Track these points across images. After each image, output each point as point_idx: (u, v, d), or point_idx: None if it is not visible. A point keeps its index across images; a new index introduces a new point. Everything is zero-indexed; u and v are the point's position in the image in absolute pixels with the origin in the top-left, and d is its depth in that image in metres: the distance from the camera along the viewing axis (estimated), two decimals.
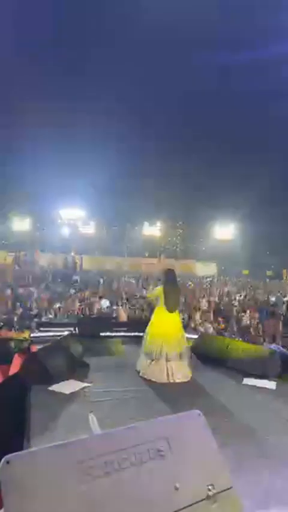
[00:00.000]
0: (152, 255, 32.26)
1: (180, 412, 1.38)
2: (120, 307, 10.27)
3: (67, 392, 3.88)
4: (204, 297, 13.74)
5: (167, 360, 4.35)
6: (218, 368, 4.96)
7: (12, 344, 5.60)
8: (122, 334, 6.91)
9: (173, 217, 35.21)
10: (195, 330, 7.74)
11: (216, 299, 13.63)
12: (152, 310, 5.36)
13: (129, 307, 10.50)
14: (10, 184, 28.41)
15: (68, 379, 4.24)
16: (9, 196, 29.14)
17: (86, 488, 1.03)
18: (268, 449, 2.82)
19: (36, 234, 31.97)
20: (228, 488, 1.17)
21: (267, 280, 27.16)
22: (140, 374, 4.46)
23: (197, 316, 9.12)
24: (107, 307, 10.79)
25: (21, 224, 31.28)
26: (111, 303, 11.17)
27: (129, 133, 32.16)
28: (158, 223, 34.01)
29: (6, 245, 29.80)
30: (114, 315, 9.32)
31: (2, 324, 7.15)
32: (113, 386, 4.12)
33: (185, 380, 4.37)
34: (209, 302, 12.22)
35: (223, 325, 8.72)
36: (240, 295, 14.82)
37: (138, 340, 5.65)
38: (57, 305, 10.86)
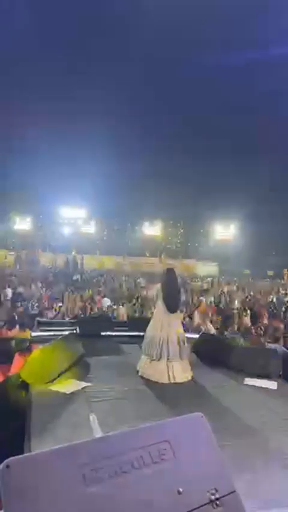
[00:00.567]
0: (152, 255, 32.26)
1: (182, 414, 1.37)
2: (121, 307, 10.26)
3: (68, 392, 3.87)
4: (203, 296, 13.72)
5: (168, 360, 4.33)
6: (219, 368, 4.95)
7: (13, 343, 5.59)
8: (123, 333, 6.90)
9: (173, 217, 35.21)
10: (196, 330, 7.72)
11: (218, 299, 13.61)
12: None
13: (129, 307, 10.48)
14: (11, 184, 28.43)
15: (68, 379, 4.23)
16: (10, 195, 29.16)
17: (88, 493, 1.01)
18: (269, 449, 2.80)
19: (37, 233, 31.99)
20: (231, 492, 1.15)
21: (268, 280, 27.13)
22: (140, 374, 4.44)
23: (198, 316, 9.10)
24: (108, 307, 10.79)
25: (22, 223, 31.32)
26: (113, 303, 11.17)
27: (130, 133, 32.16)
28: (159, 223, 34.02)
29: (7, 244, 29.83)
30: (114, 315, 9.32)
31: (3, 323, 7.15)
32: (114, 386, 4.11)
33: (186, 380, 4.36)
34: (210, 302, 12.20)
35: (224, 325, 8.70)
36: (246, 296, 14.79)
37: (139, 339, 5.63)
38: (58, 304, 10.86)
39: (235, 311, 10.74)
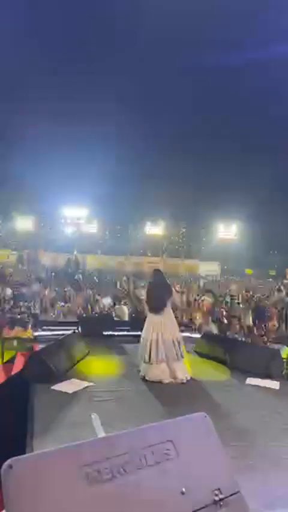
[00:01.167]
0: (154, 255, 32.23)
1: (185, 414, 1.36)
2: (124, 306, 10.25)
3: (70, 391, 3.87)
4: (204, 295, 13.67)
5: (166, 362, 4.30)
6: (221, 367, 4.94)
7: (15, 343, 5.60)
8: (125, 333, 6.91)
9: (175, 217, 35.17)
10: (198, 330, 7.71)
11: (220, 299, 13.57)
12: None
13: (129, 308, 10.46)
14: (13, 184, 28.48)
15: (70, 379, 4.23)
16: (13, 195, 29.21)
17: (90, 493, 1.00)
18: (272, 449, 2.79)
19: (39, 232, 32.04)
20: (235, 493, 1.14)
21: (270, 279, 27.07)
22: (141, 375, 4.41)
23: (199, 316, 9.09)
24: (110, 306, 10.78)
25: (24, 223, 31.36)
26: (114, 302, 11.15)
27: (131, 133, 32.13)
28: (161, 223, 33.99)
29: (9, 244, 29.88)
30: (114, 314, 9.32)
31: (5, 322, 7.15)
32: (116, 385, 4.11)
33: (186, 380, 4.32)
34: (211, 301, 12.16)
35: (226, 325, 8.67)
36: (250, 295, 14.73)
37: (140, 339, 5.62)
38: (60, 304, 10.86)
39: (237, 311, 10.70)
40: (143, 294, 10.76)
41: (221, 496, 1.12)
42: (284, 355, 5.01)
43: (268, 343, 6.81)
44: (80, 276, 19.97)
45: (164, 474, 1.11)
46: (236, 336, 7.57)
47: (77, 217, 31.95)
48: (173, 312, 4.86)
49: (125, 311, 9.71)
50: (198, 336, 6.34)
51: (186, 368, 4.42)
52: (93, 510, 0.99)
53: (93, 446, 1.11)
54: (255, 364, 4.73)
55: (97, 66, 33.00)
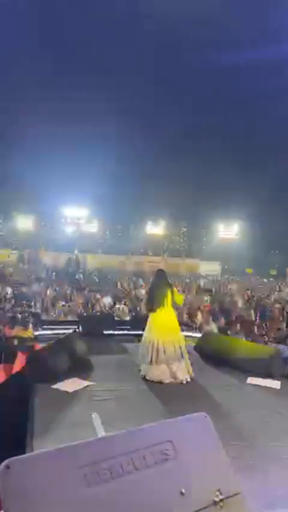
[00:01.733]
0: (155, 254, 32.23)
1: (186, 414, 1.34)
2: (124, 306, 10.25)
3: (70, 390, 3.87)
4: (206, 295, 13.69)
5: (167, 363, 4.27)
6: (222, 367, 4.92)
7: (16, 342, 5.60)
8: (125, 332, 6.90)
9: (176, 216, 35.15)
10: (198, 329, 7.70)
11: (221, 298, 13.57)
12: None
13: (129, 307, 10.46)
14: (14, 183, 28.50)
15: (71, 378, 4.23)
16: (13, 195, 29.24)
17: (89, 494, 0.99)
18: (272, 449, 2.78)
19: (40, 232, 32.06)
20: (236, 494, 1.13)
21: (271, 279, 27.05)
22: (142, 374, 4.39)
23: (200, 315, 9.08)
24: (110, 306, 10.78)
25: (25, 222, 31.39)
26: (114, 302, 11.16)
27: (132, 133, 32.12)
28: (162, 222, 33.98)
29: (10, 243, 29.90)
30: (114, 313, 9.31)
31: (6, 321, 7.15)
32: (116, 385, 4.10)
33: (186, 380, 4.30)
34: (212, 301, 12.17)
35: (227, 325, 8.67)
36: (250, 294, 14.73)
37: (141, 338, 5.60)
38: (61, 303, 10.87)
39: (238, 310, 10.70)
40: (142, 293, 10.75)
41: (221, 497, 1.10)
42: None
43: (269, 343, 6.80)
44: (81, 276, 20.00)
45: (163, 475, 1.10)
46: (237, 335, 7.55)
47: (78, 217, 31.96)
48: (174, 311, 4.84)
49: (125, 310, 9.71)
50: (198, 335, 6.32)
51: (187, 369, 4.39)
52: (92, 511, 0.98)
53: (91, 447, 1.10)
54: (256, 363, 4.71)
55: (97, 66, 32.99)
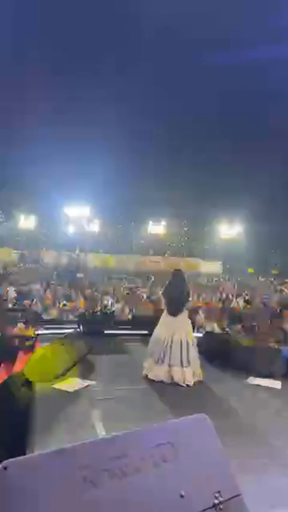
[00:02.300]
0: (156, 253, 32.22)
1: (186, 415, 1.34)
2: (125, 306, 10.25)
3: (71, 390, 3.87)
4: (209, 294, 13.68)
5: (170, 365, 4.24)
6: (222, 367, 4.92)
7: (17, 341, 5.60)
8: (126, 332, 6.90)
9: (177, 216, 35.13)
10: (200, 329, 7.68)
11: (222, 298, 13.55)
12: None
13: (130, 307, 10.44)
14: (15, 182, 28.53)
15: (71, 377, 4.23)
16: (14, 194, 29.26)
17: (88, 496, 0.98)
18: (273, 449, 2.77)
19: (41, 231, 32.08)
20: (236, 496, 1.12)
21: (273, 279, 27.00)
22: (144, 372, 4.38)
23: (201, 315, 9.06)
24: (111, 305, 10.77)
25: (26, 222, 31.40)
26: (115, 301, 11.15)
27: (133, 132, 32.12)
28: (163, 222, 33.96)
29: (11, 243, 29.94)
30: (114, 313, 9.31)
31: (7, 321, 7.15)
32: (117, 384, 4.10)
33: (186, 385, 4.23)
34: (214, 301, 12.15)
35: (228, 324, 8.64)
36: (248, 294, 14.71)
37: (142, 338, 5.61)
38: (62, 302, 10.87)
39: (240, 310, 10.67)
40: (142, 294, 10.70)
41: (221, 499, 1.10)
42: None
43: (270, 343, 6.78)
44: (82, 275, 19.99)
45: (162, 477, 1.09)
46: (238, 335, 7.53)
47: (79, 216, 31.94)
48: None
49: (126, 310, 9.70)
50: (199, 335, 6.31)
51: (190, 374, 4.29)
52: None
53: (90, 448, 1.09)
54: (257, 363, 4.71)
55: (97, 66, 32.99)
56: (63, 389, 3.88)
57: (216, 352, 5.32)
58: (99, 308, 10.24)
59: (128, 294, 13.11)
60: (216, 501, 1.09)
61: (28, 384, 3.87)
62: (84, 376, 4.33)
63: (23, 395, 3.66)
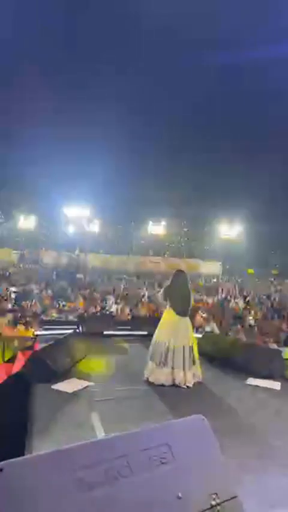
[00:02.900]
0: (156, 254, 32.22)
1: (185, 416, 1.34)
2: (125, 306, 10.25)
3: (70, 391, 3.86)
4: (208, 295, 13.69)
5: (172, 368, 4.20)
6: (222, 368, 4.92)
7: (16, 342, 5.60)
8: (126, 333, 6.89)
9: (177, 216, 35.14)
10: (199, 330, 7.68)
11: (222, 298, 13.55)
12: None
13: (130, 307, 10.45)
14: (15, 183, 28.53)
15: (70, 378, 4.22)
16: (14, 194, 29.27)
17: (85, 497, 0.98)
18: (272, 449, 2.77)
19: (41, 231, 32.06)
20: (232, 498, 1.12)
21: (272, 279, 27.00)
22: (145, 375, 4.29)
23: (200, 315, 9.06)
24: (111, 305, 10.77)
25: (26, 222, 31.39)
26: (115, 302, 11.15)
27: (133, 132, 32.14)
28: (163, 222, 33.96)
29: (11, 243, 29.94)
30: (114, 314, 9.31)
31: (6, 321, 7.15)
32: (116, 385, 4.09)
33: (187, 386, 4.21)
34: (213, 301, 12.15)
35: (227, 325, 8.65)
36: (245, 297, 14.72)
37: (141, 339, 5.60)
38: (61, 303, 10.87)
39: (239, 311, 10.67)
40: (142, 294, 10.67)
41: (218, 501, 1.09)
42: (286, 356, 4.97)
43: (269, 344, 6.79)
44: (82, 275, 19.97)
45: (160, 478, 1.09)
46: (238, 335, 7.54)
47: (79, 217, 31.95)
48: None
49: (125, 311, 9.70)
50: (199, 335, 6.31)
51: (191, 375, 4.26)
52: None
53: (87, 449, 1.09)
54: (256, 364, 4.71)
55: (97, 66, 33.00)
56: (63, 390, 3.88)
57: (216, 353, 5.31)
58: (98, 308, 10.25)
59: (127, 294, 13.11)
60: (213, 502, 1.09)
61: (27, 384, 3.87)
62: (83, 377, 4.33)
63: (21, 396, 3.66)
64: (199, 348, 5.46)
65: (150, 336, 4.65)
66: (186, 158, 32.88)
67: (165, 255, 31.47)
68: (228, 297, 14.13)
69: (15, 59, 30.26)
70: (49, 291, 13.17)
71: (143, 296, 12.89)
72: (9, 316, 6.79)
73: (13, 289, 12.80)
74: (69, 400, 3.62)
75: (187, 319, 4.49)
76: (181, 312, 4.41)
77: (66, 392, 3.81)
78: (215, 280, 24.34)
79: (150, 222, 33.86)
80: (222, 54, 32.38)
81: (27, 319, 7.39)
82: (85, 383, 4.10)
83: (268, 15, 31.82)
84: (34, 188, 28.41)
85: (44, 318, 8.51)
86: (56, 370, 4.18)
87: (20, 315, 7.97)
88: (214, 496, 1.10)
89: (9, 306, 9.96)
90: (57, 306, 10.59)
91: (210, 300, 12.78)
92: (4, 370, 4.40)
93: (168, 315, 4.47)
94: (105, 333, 6.76)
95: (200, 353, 5.33)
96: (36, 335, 6.35)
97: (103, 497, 1.01)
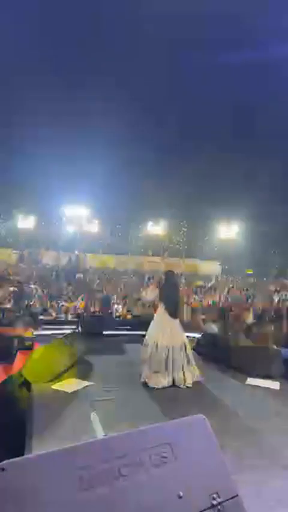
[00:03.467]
0: (155, 254, 32.22)
1: (184, 415, 1.34)
2: (124, 306, 10.25)
3: (69, 391, 3.87)
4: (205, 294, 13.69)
5: (175, 369, 4.19)
6: (222, 368, 4.92)
7: (16, 342, 5.60)
8: (125, 332, 6.90)
9: (176, 216, 35.15)
10: (198, 329, 7.68)
11: (221, 298, 13.55)
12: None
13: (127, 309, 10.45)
14: (14, 183, 28.52)
15: (70, 378, 4.22)
16: (14, 194, 29.25)
17: (85, 497, 0.98)
18: (272, 449, 2.77)
19: (40, 232, 32.04)
20: (234, 497, 1.12)
21: (272, 279, 27.01)
22: (144, 381, 4.23)
23: (199, 315, 9.06)
24: (111, 306, 10.76)
25: (25, 222, 31.36)
26: (114, 302, 11.15)
27: (133, 132, 32.16)
28: (162, 222, 33.97)
29: (10, 243, 29.91)
30: (113, 314, 9.33)
31: (6, 321, 7.15)
32: (115, 385, 4.10)
33: (187, 386, 4.20)
34: (213, 301, 12.15)
35: (227, 325, 8.64)
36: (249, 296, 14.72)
37: (141, 339, 5.59)
38: (61, 303, 10.86)
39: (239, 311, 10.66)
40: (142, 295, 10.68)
41: (219, 500, 1.10)
42: None
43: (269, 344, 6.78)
44: (81, 275, 19.96)
45: (160, 478, 1.09)
46: (237, 336, 7.53)
47: (78, 217, 31.94)
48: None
49: (125, 311, 9.70)
50: (198, 335, 6.32)
51: (192, 374, 4.27)
52: None
53: (88, 449, 1.09)
54: (255, 364, 4.72)
55: (97, 66, 33.01)
56: (62, 390, 3.88)
57: (215, 353, 5.32)
58: (98, 309, 10.25)
59: (126, 294, 13.10)
60: (214, 502, 1.09)
61: (27, 384, 3.87)
62: (82, 376, 4.33)
63: (21, 396, 3.66)
64: (199, 348, 5.48)
65: None
66: (186, 158, 32.92)
67: (165, 255, 31.46)
68: (228, 298, 14.14)
69: (15, 59, 30.26)
70: (48, 291, 13.16)
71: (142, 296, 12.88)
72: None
73: (12, 289, 12.78)
74: (69, 400, 3.62)
75: (177, 319, 4.47)
76: (174, 313, 4.41)
77: (66, 392, 3.81)
78: (214, 280, 24.34)
79: (150, 222, 33.87)
80: (225, 54, 32.44)
81: (27, 319, 7.39)
82: (85, 383, 4.10)
83: (268, 15, 31.88)
84: (34, 188, 28.40)
85: (43, 317, 8.51)
86: (55, 370, 4.18)
87: (19, 315, 7.97)
88: (215, 495, 1.10)
89: (9, 306, 9.95)
90: (57, 306, 10.58)
91: (209, 300, 12.78)
92: (3, 370, 4.40)
93: (159, 316, 4.47)
94: (104, 332, 6.77)
95: (200, 353, 5.35)
96: (36, 335, 6.35)
97: (104, 497, 1.01)
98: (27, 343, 5.51)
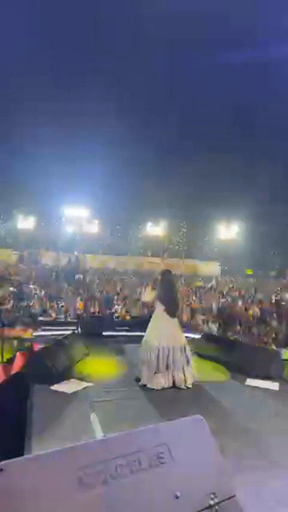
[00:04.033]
0: (155, 255, 32.21)
1: (182, 416, 1.35)
2: (123, 307, 10.26)
3: (69, 391, 3.87)
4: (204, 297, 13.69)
5: (175, 370, 4.17)
6: (221, 368, 4.93)
7: (15, 343, 5.61)
8: (124, 333, 6.91)
9: (176, 217, 35.15)
10: (197, 330, 7.69)
11: (220, 299, 13.56)
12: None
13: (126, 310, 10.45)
14: (14, 183, 28.53)
15: (70, 379, 4.23)
16: (14, 195, 29.26)
17: (84, 497, 0.99)
18: (271, 450, 2.78)
19: (40, 232, 32.04)
20: (231, 497, 1.13)
21: (272, 279, 27.03)
22: (143, 383, 4.19)
23: (199, 316, 9.07)
24: (110, 306, 10.77)
25: (25, 222, 31.36)
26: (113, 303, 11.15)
27: (132, 132, 32.17)
28: (162, 223, 33.97)
29: (10, 243, 29.91)
30: (114, 314, 9.33)
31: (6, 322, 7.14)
32: (115, 386, 4.10)
33: (187, 387, 4.20)
34: (212, 302, 12.15)
35: (226, 326, 8.65)
36: (250, 296, 14.72)
37: (141, 339, 5.59)
38: (60, 304, 10.85)
39: (238, 311, 10.67)
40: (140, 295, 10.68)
41: (216, 500, 1.10)
42: (286, 357, 4.98)
43: (268, 345, 6.80)
44: (81, 276, 19.95)
45: (158, 478, 1.10)
46: (237, 336, 7.55)
47: (78, 217, 31.96)
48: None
49: (124, 312, 9.71)
50: (198, 336, 6.32)
51: (190, 376, 4.24)
52: None
53: (87, 449, 1.10)
54: (255, 365, 4.72)
55: (97, 66, 33.02)
56: (62, 391, 3.88)
57: (215, 353, 5.33)
58: (97, 309, 10.26)
59: (126, 295, 13.11)
60: (211, 502, 1.10)
61: (26, 385, 3.87)
62: (82, 377, 4.34)
63: (21, 396, 3.66)
64: (199, 348, 5.48)
65: None
66: (186, 158, 32.94)
67: (164, 256, 31.46)
68: (228, 298, 14.15)
69: (15, 59, 30.28)
70: (48, 292, 13.15)
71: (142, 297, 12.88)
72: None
73: (12, 289, 12.78)
74: (68, 400, 3.63)
75: (176, 319, 4.45)
76: (173, 313, 4.39)
77: (65, 393, 3.82)
78: (213, 281, 24.34)
79: (149, 223, 33.87)
80: (225, 54, 32.44)
81: (26, 320, 7.39)
82: (84, 384, 4.11)
83: (268, 15, 31.91)
84: (33, 189, 28.41)
85: (43, 318, 8.51)
86: (54, 371, 4.18)
87: (19, 315, 7.97)
88: (212, 496, 1.11)
89: (8, 307, 9.95)
90: (56, 306, 10.58)
91: (209, 301, 12.78)
92: (3, 371, 4.41)
93: (156, 316, 4.43)
94: (104, 333, 6.77)
95: (199, 354, 5.35)
96: (35, 336, 6.36)
97: (102, 496, 1.02)
98: (27, 344, 5.52)
